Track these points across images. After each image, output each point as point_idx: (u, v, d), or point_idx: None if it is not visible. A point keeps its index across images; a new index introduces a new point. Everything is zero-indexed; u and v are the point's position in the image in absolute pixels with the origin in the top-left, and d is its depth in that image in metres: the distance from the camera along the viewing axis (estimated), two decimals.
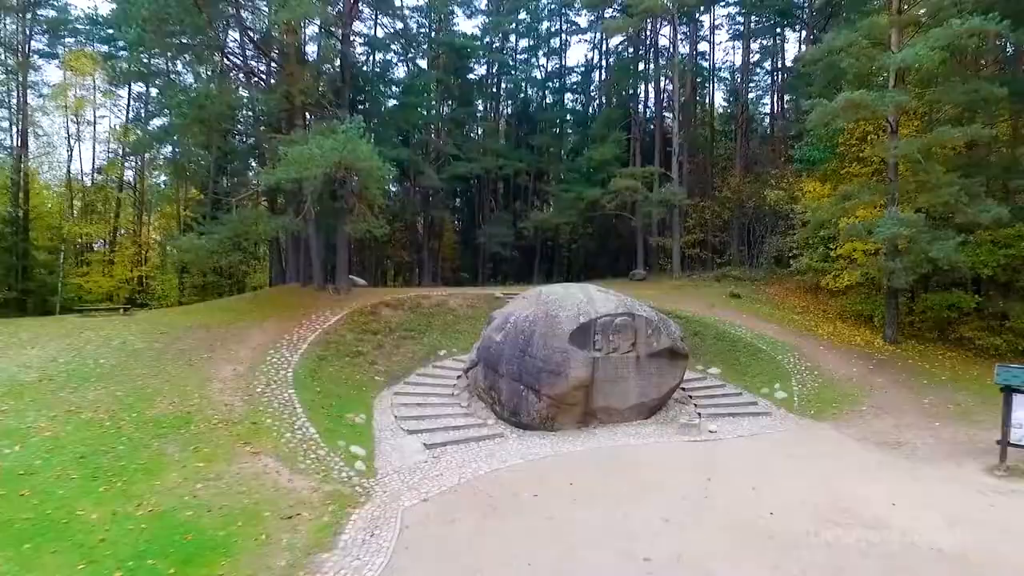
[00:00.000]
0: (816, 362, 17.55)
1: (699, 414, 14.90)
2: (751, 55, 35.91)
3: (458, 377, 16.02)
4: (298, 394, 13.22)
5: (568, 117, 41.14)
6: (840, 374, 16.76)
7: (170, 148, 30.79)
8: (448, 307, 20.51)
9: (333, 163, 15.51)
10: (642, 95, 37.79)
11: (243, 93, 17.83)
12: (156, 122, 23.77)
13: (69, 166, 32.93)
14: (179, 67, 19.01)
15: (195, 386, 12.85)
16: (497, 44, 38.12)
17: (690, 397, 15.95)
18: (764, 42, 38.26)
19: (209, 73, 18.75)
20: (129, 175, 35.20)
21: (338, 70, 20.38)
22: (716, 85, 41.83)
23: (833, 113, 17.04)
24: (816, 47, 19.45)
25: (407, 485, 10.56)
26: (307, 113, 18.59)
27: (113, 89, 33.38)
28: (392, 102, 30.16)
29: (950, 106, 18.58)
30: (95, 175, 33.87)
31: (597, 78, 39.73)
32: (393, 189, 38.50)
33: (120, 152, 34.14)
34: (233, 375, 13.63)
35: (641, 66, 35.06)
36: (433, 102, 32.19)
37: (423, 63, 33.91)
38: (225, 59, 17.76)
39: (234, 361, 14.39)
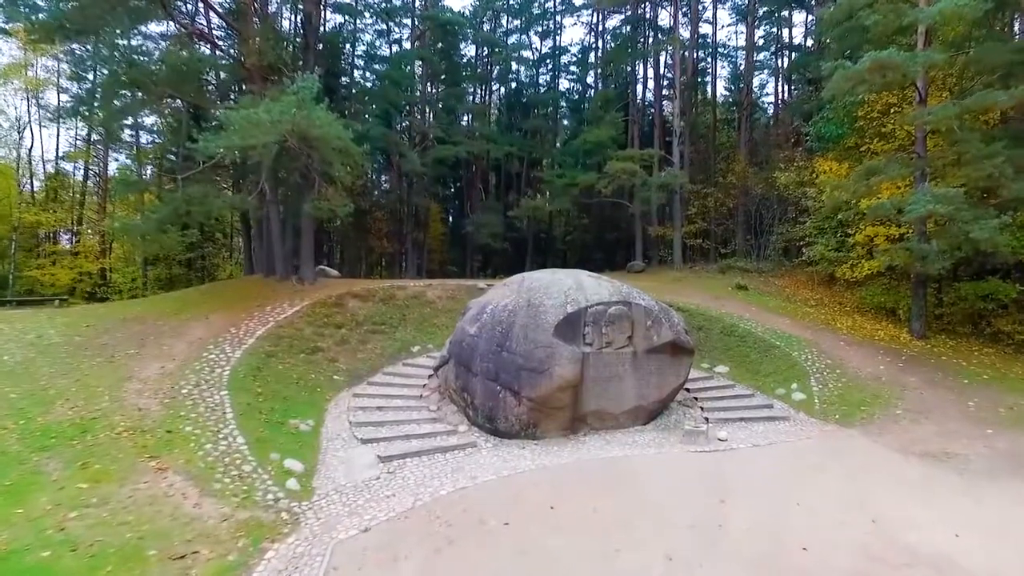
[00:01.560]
0: (837, 359, 15.53)
1: (706, 419, 12.88)
2: (755, 33, 33.75)
3: (429, 376, 13.99)
4: (232, 396, 11.17)
5: (562, 103, 39.06)
6: (866, 372, 14.73)
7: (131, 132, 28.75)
8: (425, 299, 18.49)
9: (284, 130, 13.48)
10: (640, 75, 35.73)
11: (189, 54, 15.73)
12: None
13: (30, 151, 30.94)
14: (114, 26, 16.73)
15: (108, 387, 10.81)
16: (488, 26, 36.06)
17: (695, 399, 13.93)
18: (768, 27, 36.35)
19: (160, 34, 16.78)
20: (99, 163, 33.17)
21: (300, 32, 18.30)
22: (719, 69, 39.78)
23: (858, 77, 15.01)
24: (837, 6, 17.42)
25: (348, 509, 8.52)
26: (266, 80, 16.55)
27: (79, 72, 31.36)
28: (372, 78, 28.07)
29: (984, 73, 16.56)
30: (58, 161, 31.85)
31: (593, 58, 37.57)
32: (383, 177, 36.50)
33: (87, 137, 32.10)
34: (158, 374, 11.58)
35: (640, 44, 32.85)
36: (418, 80, 30.10)
37: (408, 45, 31.91)
38: (171, 19, 15.72)
39: (164, 358, 12.35)
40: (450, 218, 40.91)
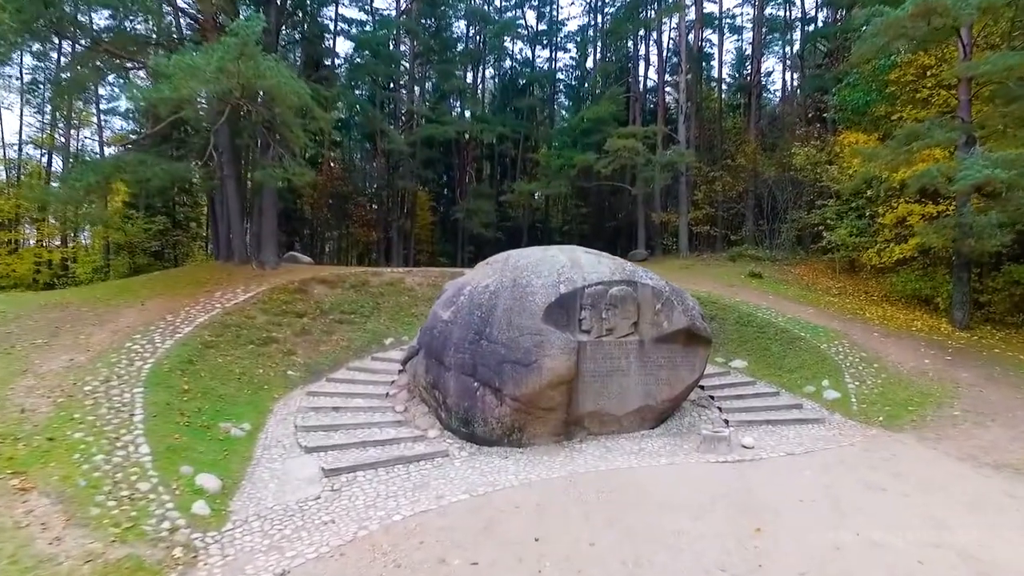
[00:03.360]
0: (872, 352, 13.49)
1: (726, 421, 10.86)
2: (763, 11, 31.62)
3: (399, 372, 11.97)
4: (148, 394, 9.12)
5: (559, 85, 36.95)
6: (908, 367, 12.70)
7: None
8: (404, 286, 16.47)
9: (231, 84, 11.45)
10: (642, 53, 33.63)
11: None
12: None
13: None
14: None
15: None
16: (480, 0, 33.99)
17: (711, 398, 11.91)
18: (776, 8, 34.26)
19: None
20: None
21: None
22: (724, 55, 37.68)
23: (897, 27, 13.00)
24: None
25: (268, 542, 6.48)
26: (219, 35, 14.49)
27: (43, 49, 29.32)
28: (353, 48, 25.94)
29: None
30: (21, 146, 29.84)
31: (592, 34, 35.42)
32: (372, 164, 34.33)
33: (51, 120, 30.04)
34: (64, 367, 9.54)
35: (642, 14, 30.64)
36: (404, 57, 28.02)
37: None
38: None
39: (78, 349, 10.31)
40: (441, 208, 38.88)
